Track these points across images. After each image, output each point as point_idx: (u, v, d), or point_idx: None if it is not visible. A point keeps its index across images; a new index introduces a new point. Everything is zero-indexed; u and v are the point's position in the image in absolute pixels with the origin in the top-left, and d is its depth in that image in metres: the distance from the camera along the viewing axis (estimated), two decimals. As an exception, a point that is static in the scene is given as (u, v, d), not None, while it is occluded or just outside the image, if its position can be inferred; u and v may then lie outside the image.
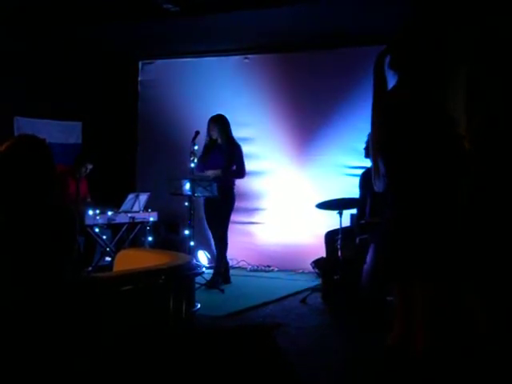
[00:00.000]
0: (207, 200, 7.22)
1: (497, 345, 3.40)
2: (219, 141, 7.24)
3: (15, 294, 2.66)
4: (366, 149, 6.45)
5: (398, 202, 3.21)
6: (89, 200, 8.03)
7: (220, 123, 7.25)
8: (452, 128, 3.16)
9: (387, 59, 3.37)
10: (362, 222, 6.57)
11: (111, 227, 7.74)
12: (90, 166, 7.92)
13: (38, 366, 2.64)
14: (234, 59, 9.05)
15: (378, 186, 3.27)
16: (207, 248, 8.41)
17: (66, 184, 7.47)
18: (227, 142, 7.21)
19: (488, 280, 3.39)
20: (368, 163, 6.46)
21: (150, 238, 7.79)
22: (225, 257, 7.41)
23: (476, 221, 3.35)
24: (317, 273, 7.26)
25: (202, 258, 8.12)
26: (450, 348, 3.25)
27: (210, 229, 7.44)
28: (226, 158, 7.15)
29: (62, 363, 2.71)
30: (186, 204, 7.15)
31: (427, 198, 3.12)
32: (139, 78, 9.76)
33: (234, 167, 7.27)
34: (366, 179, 6.58)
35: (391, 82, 3.41)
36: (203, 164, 7.17)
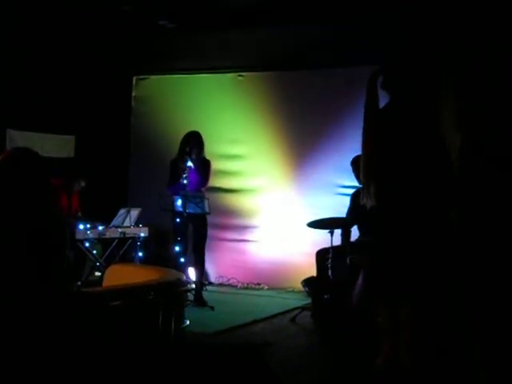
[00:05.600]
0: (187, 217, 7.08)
1: (484, 365, 3.40)
2: (193, 157, 7.09)
3: (4, 305, 2.64)
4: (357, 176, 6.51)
5: (386, 221, 3.22)
6: (79, 215, 8.01)
7: (201, 140, 7.20)
8: (441, 150, 3.18)
9: (380, 79, 3.41)
10: (354, 241, 6.58)
11: (102, 242, 7.72)
12: (82, 184, 7.90)
13: (25, 379, 2.62)
14: (228, 76, 9.08)
15: (368, 202, 3.29)
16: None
17: (58, 198, 7.45)
18: (202, 159, 7.18)
19: (477, 298, 3.40)
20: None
21: (140, 254, 7.75)
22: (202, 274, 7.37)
23: (466, 243, 3.36)
24: (307, 292, 7.24)
25: (193, 274, 8.09)
26: (436, 367, 3.25)
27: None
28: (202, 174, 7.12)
29: (49, 377, 2.69)
30: (178, 220, 7.13)
31: (414, 219, 3.13)
32: (133, 94, 9.77)
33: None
34: (356, 198, 6.60)
35: (383, 101, 3.45)
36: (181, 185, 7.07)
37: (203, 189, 7.23)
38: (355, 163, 6.46)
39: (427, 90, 3.43)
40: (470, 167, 3.47)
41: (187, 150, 7.04)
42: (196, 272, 7.31)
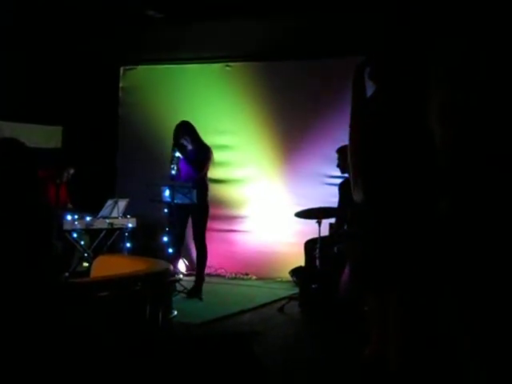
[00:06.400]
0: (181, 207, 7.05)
1: (472, 358, 3.43)
2: (188, 148, 7.08)
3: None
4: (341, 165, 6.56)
5: (374, 213, 3.23)
6: (69, 206, 8.00)
7: (190, 128, 7.15)
8: (427, 140, 3.19)
9: (367, 70, 3.41)
10: (341, 231, 6.61)
11: (89, 233, 7.71)
12: (71, 171, 7.90)
13: (12, 369, 2.62)
14: (216, 67, 9.06)
15: (357, 196, 3.30)
16: (186, 255, 8.38)
17: (45, 189, 7.41)
18: (199, 146, 7.13)
19: (466, 292, 3.42)
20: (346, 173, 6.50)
21: (128, 245, 7.75)
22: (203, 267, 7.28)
23: (458, 235, 3.38)
24: (295, 281, 7.27)
25: (181, 265, 8.09)
26: (422, 360, 3.27)
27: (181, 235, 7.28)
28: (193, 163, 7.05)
29: (36, 365, 2.69)
30: (166, 211, 7.12)
31: (401, 210, 3.14)
32: (120, 84, 9.72)
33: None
34: (344, 188, 6.61)
35: (369, 91, 3.46)
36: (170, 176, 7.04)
37: (205, 176, 7.16)
38: (341, 151, 6.46)
39: (416, 80, 3.43)
40: (463, 161, 3.49)
41: (177, 140, 7.01)
42: (196, 263, 7.29)
